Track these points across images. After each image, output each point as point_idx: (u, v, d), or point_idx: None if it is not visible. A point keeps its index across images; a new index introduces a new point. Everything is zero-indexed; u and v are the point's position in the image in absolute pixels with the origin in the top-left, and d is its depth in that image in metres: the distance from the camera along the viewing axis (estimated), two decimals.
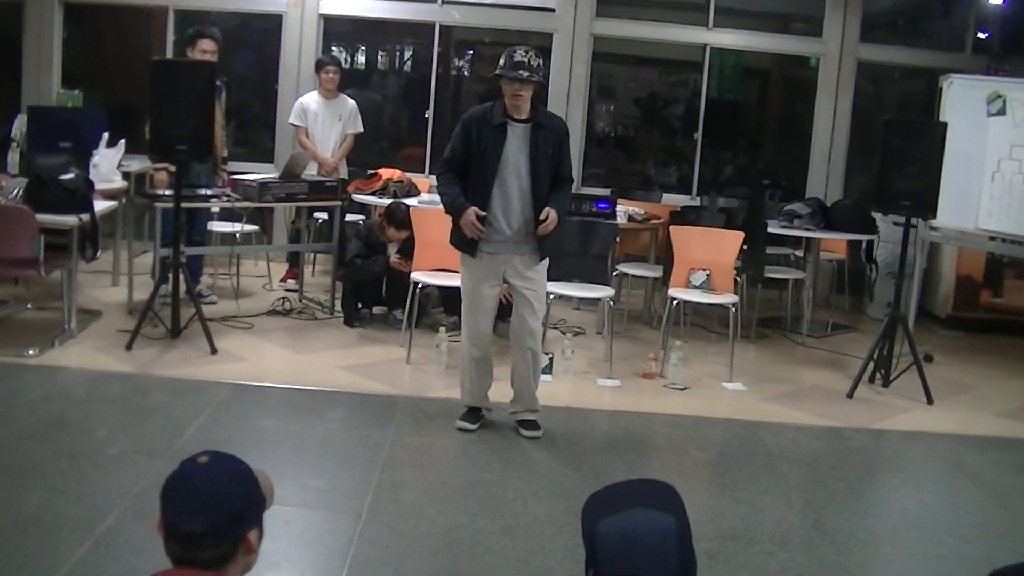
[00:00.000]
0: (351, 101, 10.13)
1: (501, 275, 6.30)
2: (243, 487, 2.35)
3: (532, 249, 6.26)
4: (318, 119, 9.96)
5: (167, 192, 7.99)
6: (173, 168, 7.95)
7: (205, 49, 8.51)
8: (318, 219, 10.06)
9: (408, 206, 8.52)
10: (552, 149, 6.19)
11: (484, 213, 6.11)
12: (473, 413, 6.55)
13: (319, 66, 10.03)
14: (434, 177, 6.28)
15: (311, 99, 10.02)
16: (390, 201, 9.15)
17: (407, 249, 8.41)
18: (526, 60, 6.04)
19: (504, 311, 6.80)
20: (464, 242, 6.24)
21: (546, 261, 6.38)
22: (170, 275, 7.66)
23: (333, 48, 11.71)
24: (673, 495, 2.31)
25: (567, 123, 6.56)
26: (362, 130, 10.16)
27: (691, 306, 8.98)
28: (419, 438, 6.37)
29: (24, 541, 4.56)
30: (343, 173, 9.98)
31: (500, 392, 6.67)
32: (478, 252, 6.21)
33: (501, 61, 6.09)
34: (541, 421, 6.53)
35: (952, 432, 7.26)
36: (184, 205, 7.79)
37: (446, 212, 6.29)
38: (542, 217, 6.09)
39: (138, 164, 9.50)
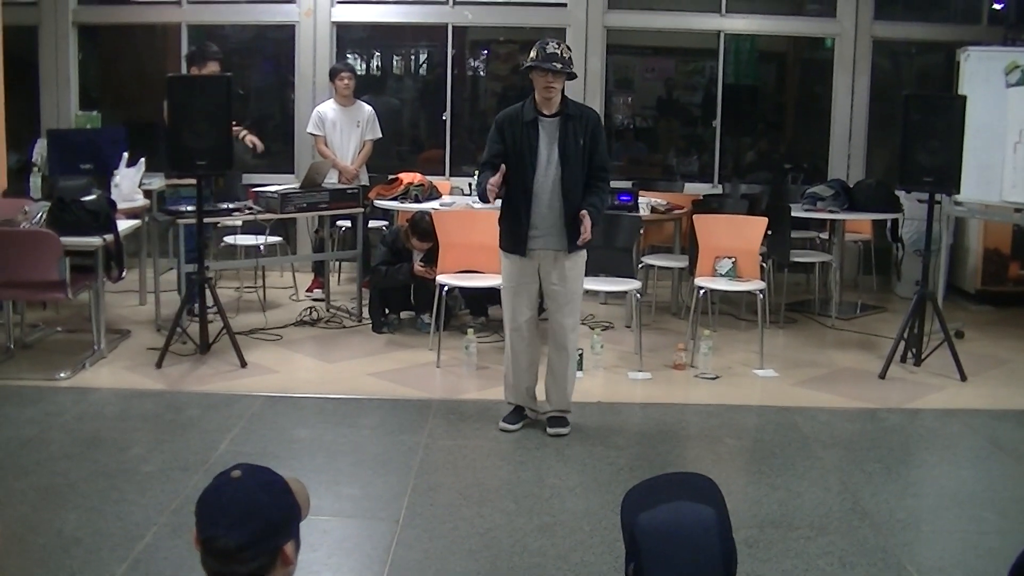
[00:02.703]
0: (368, 107, 10.14)
1: (539, 270, 6.29)
2: (277, 499, 2.35)
3: (561, 244, 6.26)
4: (336, 127, 9.97)
5: (190, 208, 8.01)
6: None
7: (214, 71, 8.62)
8: (341, 227, 10.06)
9: (431, 217, 8.51)
10: (584, 140, 6.18)
11: (498, 175, 6.08)
12: (517, 413, 6.55)
13: (333, 74, 10.04)
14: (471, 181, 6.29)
15: (328, 107, 10.03)
16: (412, 206, 9.15)
17: (432, 256, 8.41)
18: (559, 52, 6.07)
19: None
20: (513, 243, 6.26)
21: (584, 257, 6.38)
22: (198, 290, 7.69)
23: (348, 55, 11.72)
24: (713, 487, 2.31)
25: None
26: (380, 135, 10.16)
27: (718, 294, 8.95)
28: (453, 440, 6.37)
29: (66, 560, 4.59)
30: (364, 179, 9.99)
31: (541, 392, 6.67)
32: (527, 248, 6.24)
33: (532, 53, 6.11)
34: (573, 416, 6.52)
35: (987, 408, 7.22)
36: (206, 220, 7.83)
37: (482, 201, 6.35)
38: (582, 228, 6.07)
39: (159, 182, 9.53)
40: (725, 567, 2.14)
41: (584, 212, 6.08)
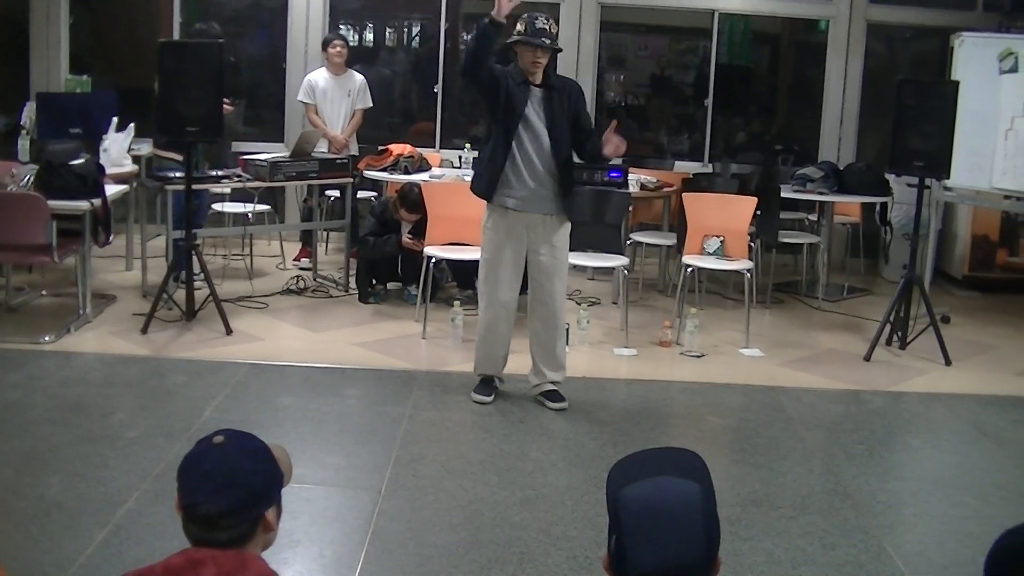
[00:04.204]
0: (359, 76, 10.09)
1: (525, 239, 6.28)
2: (259, 465, 2.35)
3: (557, 209, 6.28)
4: (327, 96, 9.93)
5: (178, 174, 7.99)
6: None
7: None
8: (330, 197, 10.03)
9: (420, 189, 8.49)
10: (568, 110, 6.23)
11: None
12: (487, 384, 6.56)
13: (325, 43, 9.99)
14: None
15: (319, 76, 9.99)
16: (402, 177, 9.14)
17: (420, 228, 8.39)
18: (547, 27, 6.08)
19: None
20: (486, 186, 6.26)
21: (568, 227, 6.38)
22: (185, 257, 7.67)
23: (341, 26, 11.67)
24: (699, 463, 2.30)
25: None
26: (371, 105, 10.11)
27: (706, 273, 8.96)
28: (437, 412, 6.38)
29: (47, 525, 4.58)
30: (353, 149, 9.96)
31: (518, 364, 6.67)
32: (498, 202, 6.23)
33: (520, 27, 6.10)
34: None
35: (971, 392, 7.24)
36: (195, 187, 7.80)
37: (485, 32, 5.96)
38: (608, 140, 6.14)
39: (148, 148, 9.49)
40: (707, 543, 2.13)
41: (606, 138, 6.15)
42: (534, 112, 6.17)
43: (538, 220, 6.26)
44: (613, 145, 6.13)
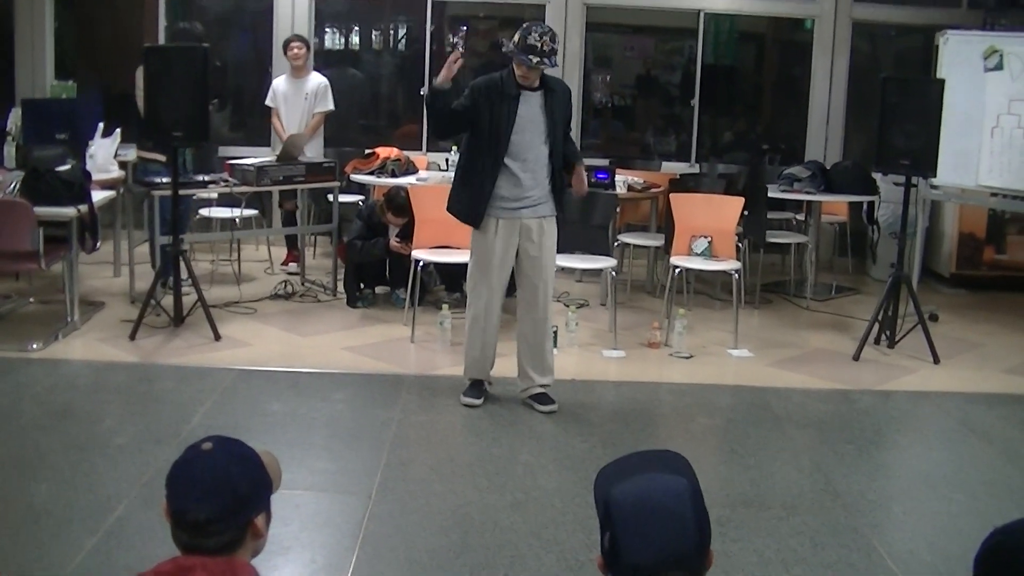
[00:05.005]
0: (320, 78, 9.95)
1: (516, 241, 6.28)
2: (248, 471, 2.34)
3: (551, 210, 6.32)
4: (286, 99, 9.87)
5: (165, 179, 7.97)
6: None
7: None
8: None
9: (407, 192, 8.48)
10: (562, 112, 6.29)
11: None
12: (477, 387, 6.56)
13: (284, 45, 9.90)
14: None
15: (281, 79, 9.94)
16: (389, 181, 9.13)
17: (408, 232, 8.39)
18: (538, 45, 6.01)
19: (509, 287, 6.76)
20: (469, 212, 6.27)
21: (556, 227, 6.39)
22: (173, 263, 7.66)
23: (326, 28, 11.65)
24: (684, 462, 2.34)
25: None
26: (332, 108, 9.95)
27: (694, 273, 8.98)
28: (426, 415, 6.37)
29: (36, 532, 4.57)
30: (312, 152, 9.72)
31: (506, 367, 6.67)
32: (492, 215, 6.22)
33: (516, 38, 6.07)
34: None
35: (959, 390, 7.26)
36: (181, 192, 7.79)
37: (431, 108, 6.24)
38: (576, 180, 6.39)
39: (134, 153, 9.46)
40: (699, 534, 2.16)
41: (578, 166, 6.39)
42: (529, 119, 6.15)
43: (533, 223, 6.26)
44: (582, 185, 6.42)
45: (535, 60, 6.00)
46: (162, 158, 8.27)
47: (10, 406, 6.17)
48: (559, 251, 6.50)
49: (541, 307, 6.38)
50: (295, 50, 9.74)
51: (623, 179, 9.39)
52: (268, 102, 9.94)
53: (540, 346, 6.45)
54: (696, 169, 11.25)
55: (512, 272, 6.42)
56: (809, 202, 9.74)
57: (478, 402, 6.48)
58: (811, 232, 9.86)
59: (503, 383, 6.71)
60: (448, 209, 6.44)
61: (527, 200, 6.21)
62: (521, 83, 6.14)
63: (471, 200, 6.25)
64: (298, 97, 9.85)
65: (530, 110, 6.16)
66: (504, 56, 6.30)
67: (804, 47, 11.60)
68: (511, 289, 6.62)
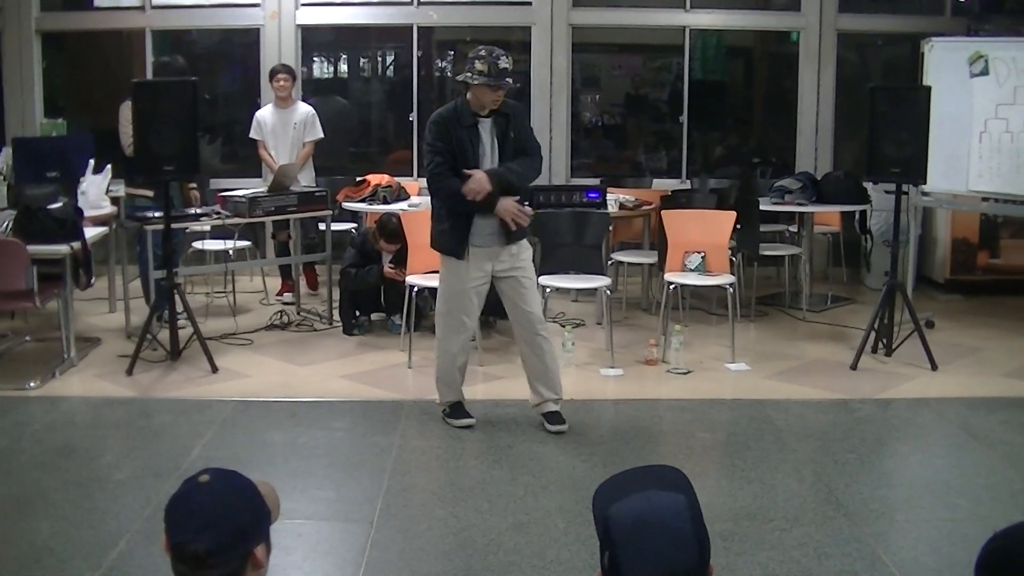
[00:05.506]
0: (307, 108, 10.02)
1: (489, 271, 6.30)
2: (246, 502, 2.34)
3: (519, 234, 6.32)
4: (272, 130, 9.89)
5: (156, 213, 7.97)
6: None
7: None
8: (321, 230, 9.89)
9: (399, 218, 8.49)
10: (515, 133, 6.27)
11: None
12: (459, 408, 6.58)
13: (270, 76, 9.92)
14: (428, 178, 6.25)
15: (266, 111, 9.95)
16: (381, 208, 9.14)
17: (401, 258, 8.39)
18: (509, 67, 6.13)
19: (500, 308, 6.75)
20: (451, 244, 6.27)
21: (528, 246, 6.44)
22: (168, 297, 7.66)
23: (314, 57, 11.68)
24: (681, 477, 2.33)
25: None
26: (321, 136, 10.01)
27: (689, 289, 8.98)
28: (425, 441, 6.37)
29: (38, 571, 4.56)
30: (308, 181, 9.85)
31: (503, 389, 6.66)
32: (467, 250, 6.23)
33: (481, 67, 6.06)
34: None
35: (958, 396, 7.26)
36: (174, 225, 7.80)
37: (456, 204, 6.21)
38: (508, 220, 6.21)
39: (124, 188, 9.46)
40: (699, 550, 2.15)
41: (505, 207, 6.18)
42: (487, 147, 6.21)
43: (507, 248, 6.29)
44: (510, 215, 6.20)
45: (511, 81, 6.18)
46: (150, 193, 8.28)
47: (9, 445, 6.16)
48: (554, 271, 6.51)
49: (537, 327, 6.39)
50: (281, 81, 9.77)
51: (614, 197, 9.39)
52: (253, 135, 9.94)
53: (542, 365, 6.45)
54: (687, 185, 11.24)
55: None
56: (801, 213, 9.75)
57: (472, 421, 6.49)
58: (804, 243, 9.86)
59: (503, 405, 6.73)
60: (432, 245, 6.48)
61: (495, 229, 6.24)
62: (475, 111, 6.18)
63: (452, 232, 6.27)
64: (286, 127, 9.87)
65: (487, 137, 6.21)
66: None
67: (791, 59, 11.61)
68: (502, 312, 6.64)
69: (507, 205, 6.14)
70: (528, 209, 6.36)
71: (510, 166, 6.23)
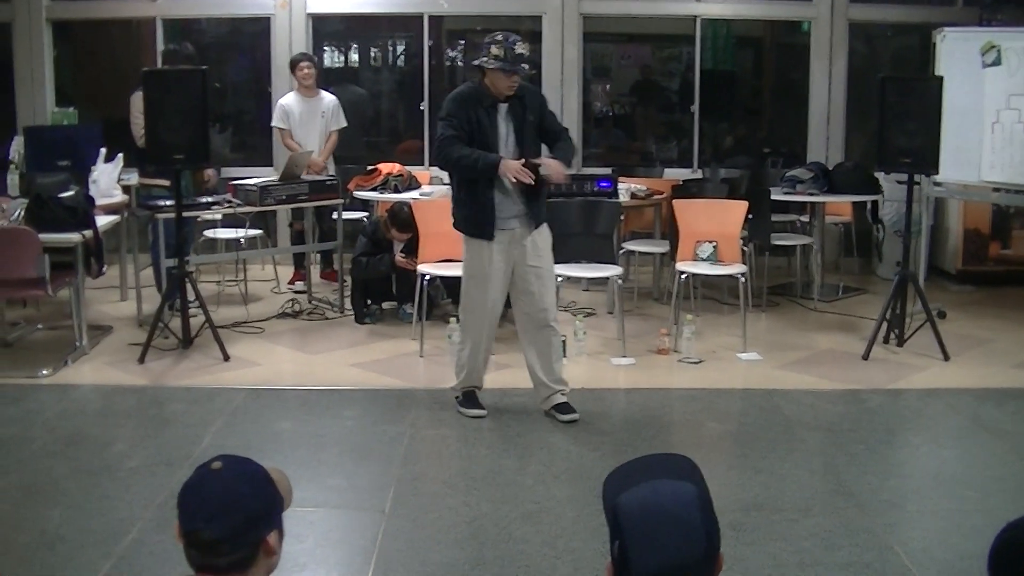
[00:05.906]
0: (331, 96, 10.02)
1: (512, 256, 6.28)
2: (258, 490, 2.34)
3: (541, 217, 6.32)
4: (300, 119, 9.85)
5: (168, 202, 7.97)
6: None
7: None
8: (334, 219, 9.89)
9: (410, 207, 8.48)
10: (533, 117, 6.25)
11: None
12: (472, 398, 6.57)
13: (293, 65, 9.87)
14: (440, 155, 6.19)
15: (291, 99, 9.90)
16: (392, 196, 9.13)
17: (412, 247, 8.39)
18: (525, 53, 6.11)
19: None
20: (480, 227, 6.24)
21: (549, 232, 6.41)
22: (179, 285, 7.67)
23: (324, 46, 11.68)
24: (691, 465, 2.32)
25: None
26: (345, 125, 10.03)
27: (700, 279, 8.96)
28: (436, 430, 6.37)
29: (50, 558, 4.58)
30: (331, 170, 9.87)
31: (512, 378, 6.66)
32: (495, 232, 6.22)
33: (497, 51, 6.04)
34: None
35: (970, 387, 7.25)
36: (185, 214, 7.81)
37: (474, 172, 6.15)
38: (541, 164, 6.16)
39: (136, 177, 9.48)
40: (707, 540, 2.15)
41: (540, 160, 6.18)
42: (504, 128, 6.19)
43: (530, 233, 6.26)
44: (552, 170, 6.15)
45: (527, 67, 6.14)
46: (165, 183, 8.28)
47: (21, 433, 6.18)
48: (565, 261, 6.50)
49: (548, 316, 6.38)
50: (305, 70, 9.75)
51: (626, 187, 9.38)
52: (278, 123, 9.87)
53: (548, 355, 6.44)
54: (699, 175, 11.22)
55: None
56: (813, 203, 9.74)
57: (484, 412, 6.49)
58: (816, 233, 9.85)
59: (512, 395, 6.73)
60: (455, 227, 6.44)
61: (520, 211, 6.23)
62: (493, 96, 6.17)
63: (478, 214, 6.23)
64: (314, 116, 9.86)
65: (503, 121, 6.20)
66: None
67: (802, 49, 11.59)
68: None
69: (509, 163, 6.07)
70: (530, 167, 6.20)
71: (563, 155, 6.27)
